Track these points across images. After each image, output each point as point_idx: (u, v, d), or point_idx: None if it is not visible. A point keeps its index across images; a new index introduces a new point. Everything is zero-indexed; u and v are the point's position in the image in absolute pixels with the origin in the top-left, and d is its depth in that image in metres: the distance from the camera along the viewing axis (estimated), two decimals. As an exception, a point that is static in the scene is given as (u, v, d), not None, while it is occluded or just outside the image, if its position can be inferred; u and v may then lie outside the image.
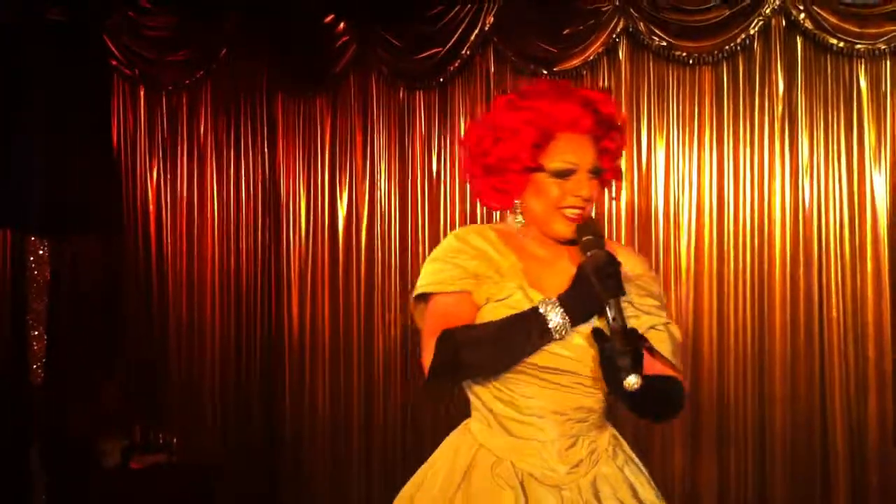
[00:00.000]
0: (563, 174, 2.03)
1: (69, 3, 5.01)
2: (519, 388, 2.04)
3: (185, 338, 5.64)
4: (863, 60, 4.42)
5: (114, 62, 5.54)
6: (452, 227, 4.89)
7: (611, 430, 2.19)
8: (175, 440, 5.55)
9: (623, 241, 4.75)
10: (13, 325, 5.21)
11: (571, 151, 2.04)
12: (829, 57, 4.47)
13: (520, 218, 2.12)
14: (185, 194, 5.62)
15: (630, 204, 4.76)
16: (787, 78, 4.53)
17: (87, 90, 5.29)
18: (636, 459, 2.20)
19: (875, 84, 4.42)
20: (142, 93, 5.64)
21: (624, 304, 1.96)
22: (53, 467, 5.02)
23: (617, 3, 4.66)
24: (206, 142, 5.57)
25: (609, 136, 2.11)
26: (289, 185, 5.45)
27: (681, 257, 4.69)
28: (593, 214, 2.10)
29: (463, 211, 5.01)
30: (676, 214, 4.70)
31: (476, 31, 4.87)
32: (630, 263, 2.13)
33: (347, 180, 5.33)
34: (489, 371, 2.04)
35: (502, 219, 2.24)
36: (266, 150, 5.49)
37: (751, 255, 4.60)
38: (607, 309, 1.89)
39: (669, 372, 2.09)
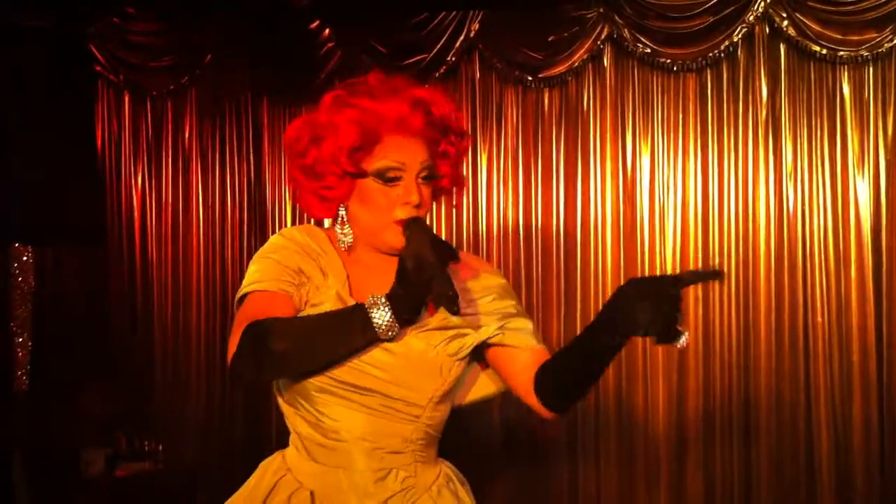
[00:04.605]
0: (388, 178, 1.85)
1: (54, 10, 5.00)
2: (325, 408, 1.86)
3: (170, 344, 5.62)
4: (846, 67, 4.45)
5: (98, 68, 5.53)
6: (437, 233, 4.87)
7: (443, 468, 2.00)
8: (160, 448, 5.53)
9: (608, 249, 4.77)
10: (-4, 333, 5.19)
11: (397, 152, 1.85)
12: (812, 64, 4.50)
13: (347, 230, 1.94)
14: (170, 200, 5.60)
15: (615, 211, 4.78)
16: (770, 84, 4.56)
17: (70, 97, 5.29)
18: (467, 501, 2.01)
19: (858, 90, 4.45)
20: (126, 99, 5.61)
21: (483, 311, 1.92)
22: (37, 476, 4.99)
23: (601, 11, 4.67)
24: (191, 147, 5.55)
25: (447, 139, 1.95)
26: (274, 190, 5.44)
27: (666, 263, 4.70)
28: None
29: (449, 216, 5.01)
30: (662, 221, 4.71)
31: (461, 38, 4.88)
32: (483, 276, 1.99)
33: (333, 186, 5.31)
34: (301, 367, 1.82)
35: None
36: (251, 156, 5.48)
37: (735, 260, 4.62)
38: (434, 283, 1.66)
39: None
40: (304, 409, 1.89)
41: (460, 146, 1.98)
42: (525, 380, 1.90)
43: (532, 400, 1.90)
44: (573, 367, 1.79)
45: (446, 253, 1.70)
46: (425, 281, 1.66)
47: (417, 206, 1.85)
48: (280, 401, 1.97)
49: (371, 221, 1.89)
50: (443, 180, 1.98)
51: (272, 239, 1.98)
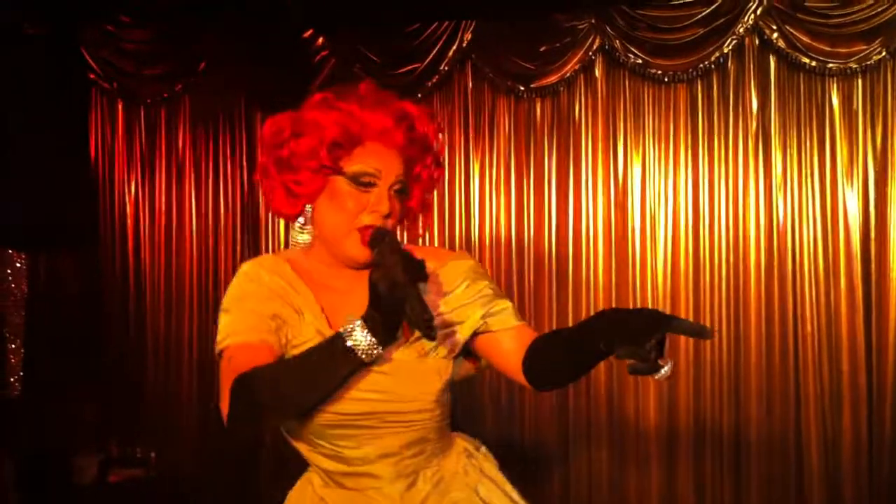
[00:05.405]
0: (362, 183, 1.83)
1: (48, 17, 5.01)
2: (342, 441, 1.87)
3: (162, 352, 5.62)
4: (835, 79, 4.49)
5: (92, 76, 5.53)
6: (430, 243, 4.87)
7: (460, 446, 2.03)
8: (153, 454, 5.53)
9: (600, 257, 4.79)
10: (-11, 339, 5.19)
11: (376, 159, 1.85)
12: (801, 75, 4.54)
13: (308, 228, 1.92)
14: (163, 208, 5.61)
15: (607, 219, 4.80)
16: (760, 96, 4.59)
17: (64, 104, 5.29)
18: (493, 472, 2.04)
19: (847, 102, 4.49)
20: (120, 106, 5.62)
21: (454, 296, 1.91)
22: (29, 482, 4.99)
23: (593, 21, 4.70)
24: (185, 156, 5.56)
25: (423, 161, 1.95)
26: (267, 199, 5.44)
27: (657, 273, 4.73)
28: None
29: (441, 226, 5.03)
30: (653, 230, 4.74)
31: (454, 48, 4.90)
32: (450, 264, 1.97)
33: (326, 194, 5.32)
34: (295, 409, 1.79)
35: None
36: (245, 163, 5.48)
37: (726, 270, 4.64)
38: (406, 305, 1.61)
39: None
40: (321, 445, 1.89)
41: (434, 173, 1.98)
42: (513, 361, 1.92)
43: (521, 379, 1.92)
44: (565, 361, 1.80)
45: (417, 272, 1.64)
46: (399, 302, 1.62)
47: (386, 217, 1.84)
48: (293, 442, 1.94)
49: (336, 223, 1.86)
50: (411, 201, 1.97)
51: (238, 281, 1.92)
